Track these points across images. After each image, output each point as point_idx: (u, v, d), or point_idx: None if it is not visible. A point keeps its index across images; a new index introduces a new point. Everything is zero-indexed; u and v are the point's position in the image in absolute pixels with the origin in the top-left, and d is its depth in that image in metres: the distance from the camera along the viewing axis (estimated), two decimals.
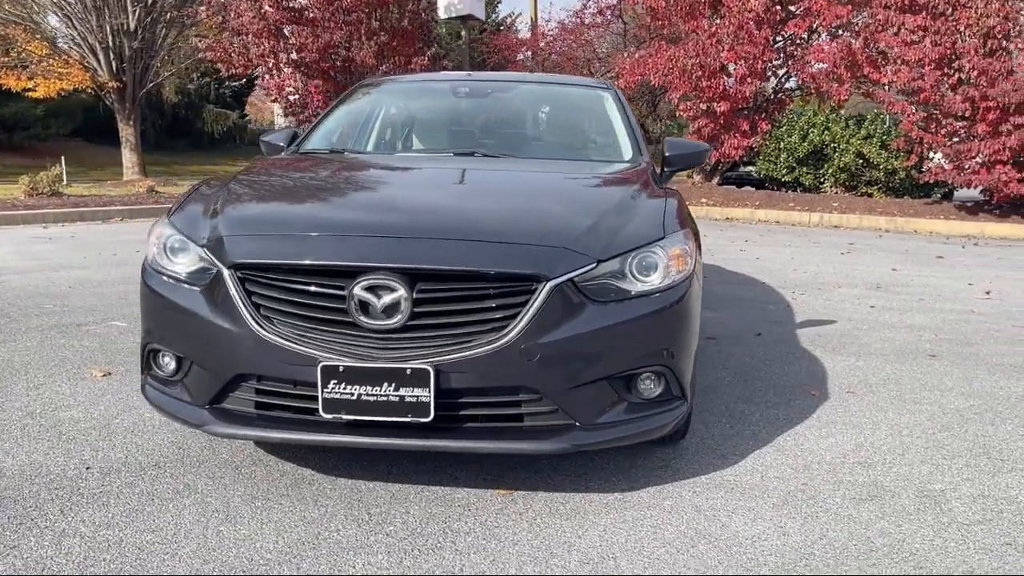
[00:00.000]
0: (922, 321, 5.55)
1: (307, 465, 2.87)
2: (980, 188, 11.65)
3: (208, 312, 2.50)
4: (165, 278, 2.68)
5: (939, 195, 12.76)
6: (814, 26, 12.53)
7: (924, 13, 10.65)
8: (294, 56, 15.40)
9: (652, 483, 2.78)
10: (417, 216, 2.67)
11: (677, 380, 2.62)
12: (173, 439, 3.10)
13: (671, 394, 2.62)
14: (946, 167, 10.94)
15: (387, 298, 2.34)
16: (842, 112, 13.85)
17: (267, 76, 16.21)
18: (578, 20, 16.23)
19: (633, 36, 17.32)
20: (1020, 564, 2.28)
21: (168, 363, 2.72)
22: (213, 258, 2.53)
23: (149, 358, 2.76)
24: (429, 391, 2.33)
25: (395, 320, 2.34)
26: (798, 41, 13.29)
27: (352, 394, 2.36)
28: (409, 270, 2.36)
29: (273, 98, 17.52)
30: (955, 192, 13.18)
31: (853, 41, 11.90)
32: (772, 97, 13.89)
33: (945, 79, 10.59)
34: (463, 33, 19.19)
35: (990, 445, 3.19)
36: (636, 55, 14.15)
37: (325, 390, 2.37)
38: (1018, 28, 9.89)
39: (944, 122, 10.95)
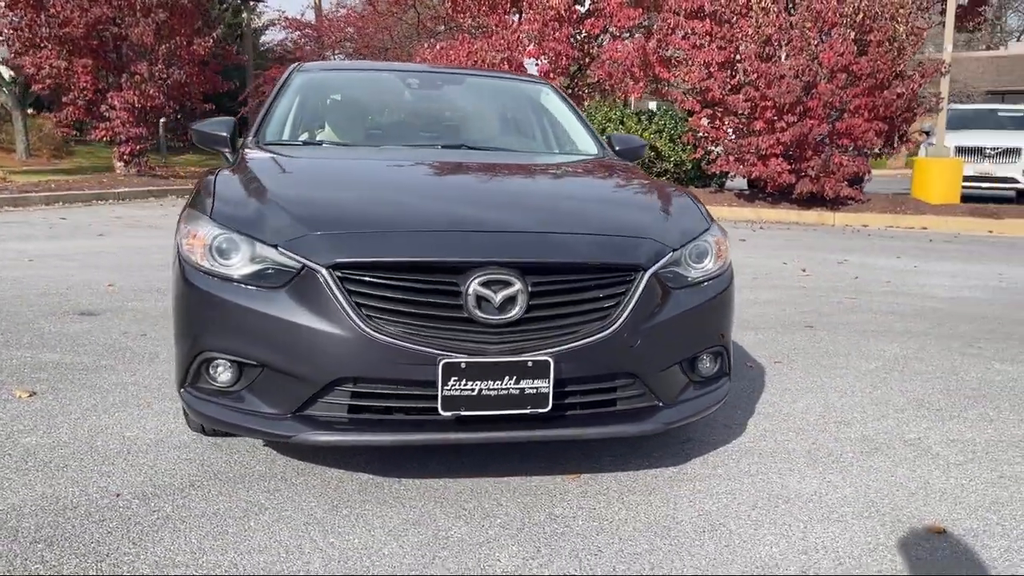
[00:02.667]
0: (772, 297, 6.26)
1: (356, 469, 2.78)
2: (746, 178, 13.15)
3: (296, 315, 2.37)
4: (222, 280, 2.48)
5: (715, 185, 14.21)
6: (608, 27, 13.40)
7: (709, 20, 11.82)
8: (56, 31, 13.79)
9: (690, 456, 3.01)
10: (509, 211, 2.68)
11: (727, 358, 2.86)
12: (185, 456, 2.87)
13: (723, 371, 2.86)
14: (730, 159, 12.21)
15: (504, 292, 2.36)
16: (633, 107, 14.94)
17: (16, 55, 14.36)
18: (371, 7, 16.04)
19: (425, 27, 17.41)
20: (1019, 490, 2.77)
21: (222, 373, 2.53)
22: (300, 258, 2.39)
23: (200, 369, 2.54)
24: (548, 382, 2.39)
25: (512, 314, 2.37)
26: (594, 40, 14.13)
27: (473, 390, 2.35)
28: (523, 264, 2.39)
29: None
30: (727, 182, 14.72)
31: (647, 43, 12.90)
32: (572, 93, 14.68)
33: (729, 80, 11.82)
34: (244, 15, 18.24)
35: (916, 398, 3.77)
36: (437, 46, 14.30)
37: (445, 387, 2.34)
38: (788, 37, 11.27)
39: (727, 119, 12.22)
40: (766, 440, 3.18)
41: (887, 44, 11.16)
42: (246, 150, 3.40)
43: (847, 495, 2.69)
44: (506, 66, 13.03)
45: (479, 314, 2.35)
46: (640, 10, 13.31)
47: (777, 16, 11.22)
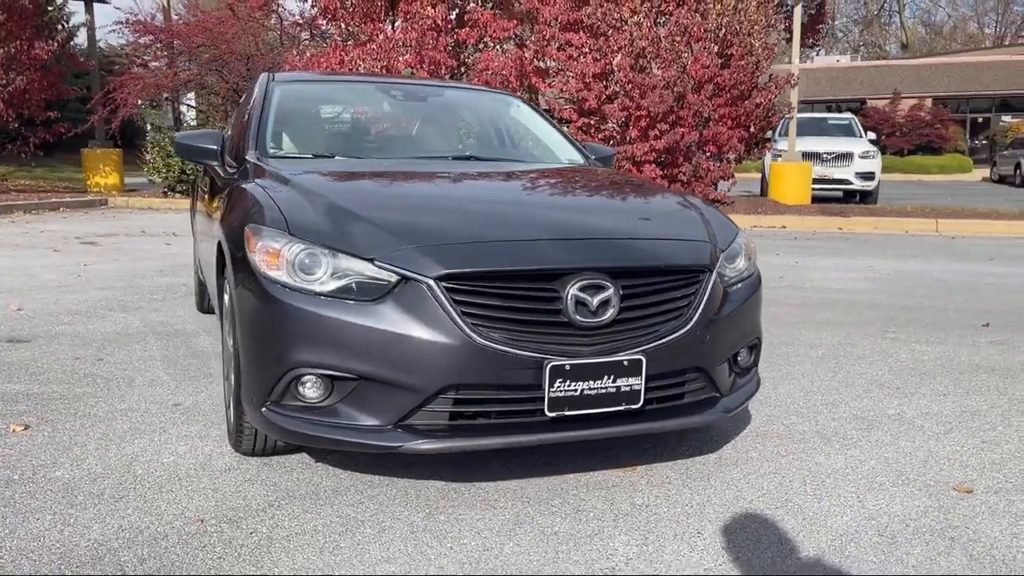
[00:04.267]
0: None
1: (423, 477, 2.83)
2: None
3: (403, 326, 2.40)
4: (310, 295, 2.48)
5: None
6: (483, 37, 13.62)
7: (585, 33, 12.30)
8: None
9: (719, 444, 3.24)
10: (583, 219, 2.81)
11: (759, 351, 3.13)
12: (243, 478, 2.82)
13: (755, 363, 3.12)
14: None
15: (600, 296, 2.49)
16: None
17: None
18: (230, 11, 15.42)
19: (287, 33, 16.96)
20: (1004, 449, 3.19)
21: (311, 389, 2.52)
22: (403, 270, 2.42)
23: (289, 386, 2.51)
24: (641, 379, 2.55)
25: (606, 316, 2.51)
26: (470, 49, 14.31)
27: (576, 390, 2.47)
28: (614, 268, 2.54)
29: None
30: None
31: (524, 53, 13.23)
32: None
33: (604, 91, 12.35)
34: (86, 16, 17.05)
35: (874, 379, 4.20)
36: (308, 54, 14.00)
37: (551, 389, 2.45)
38: (659, 50, 11.93)
39: (603, 127, 12.75)
40: (775, 424, 3.47)
41: (747, 58, 12.05)
42: (261, 162, 3.33)
43: (874, 467, 3.01)
44: (385, 74, 12.98)
45: (577, 318, 2.48)
46: (514, 22, 13.63)
47: (649, 29, 11.85)
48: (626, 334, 2.56)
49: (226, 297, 3.10)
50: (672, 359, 2.64)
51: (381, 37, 13.30)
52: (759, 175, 18.30)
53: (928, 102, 38.05)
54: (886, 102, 37.90)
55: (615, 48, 11.97)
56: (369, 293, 2.46)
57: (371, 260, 2.47)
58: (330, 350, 2.46)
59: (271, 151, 3.55)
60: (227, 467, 2.91)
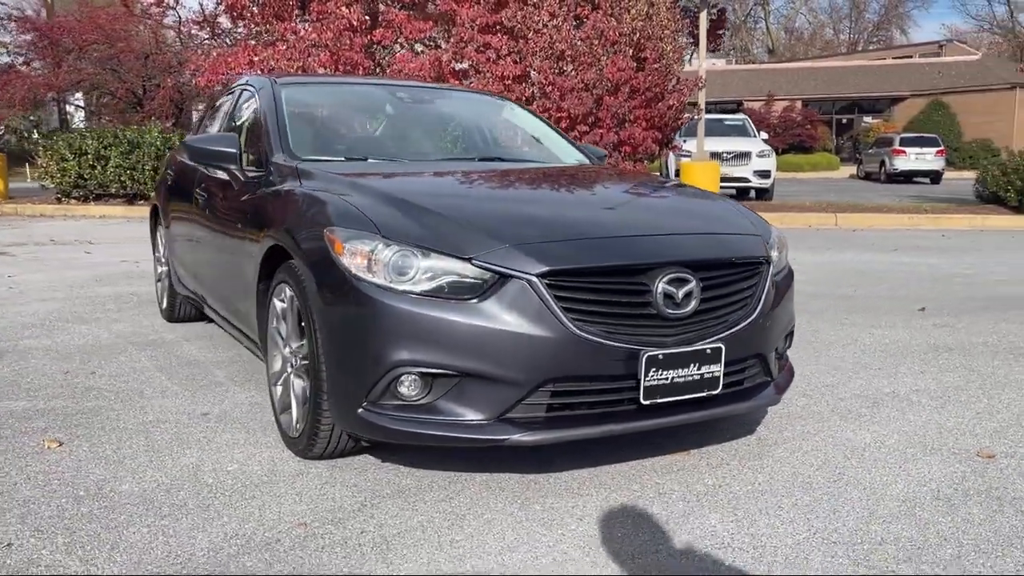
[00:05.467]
0: None
1: (494, 471, 2.90)
2: None
3: (506, 322, 2.48)
4: (408, 295, 2.52)
5: None
6: (398, 38, 13.55)
7: (505, 35, 12.45)
8: None
9: (752, 427, 3.44)
10: (656, 217, 2.95)
11: (793, 338, 3.35)
12: (322, 481, 2.85)
13: (788, 347, 3.34)
14: None
15: (684, 288, 2.64)
16: None
17: None
18: (124, 7, 14.69)
19: (186, 32, 16.33)
20: (1000, 419, 3.53)
21: (410, 388, 2.56)
22: (504, 268, 2.50)
23: (390, 386, 2.54)
24: (720, 366, 2.71)
25: (690, 307, 2.66)
26: (385, 51, 14.19)
27: (667, 378, 2.61)
28: (696, 262, 2.69)
29: None
30: None
31: (442, 56, 13.23)
32: None
33: (524, 93, 12.54)
34: None
35: (856, 362, 4.52)
36: (214, 54, 13.55)
37: (646, 379, 2.57)
38: (577, 53, 12.22)
39: None
40: (791, 406, 3.71)
41: (660, 61, 12.52)
42: (300, 165, 3.30)
43: (898, 440, 3.28)
44: (301, 74, 12.73)
45: (666, 310, 2.62)
46: (430, 23, 13.63)
47: (568, 33, 12.13)
48: (705, 324, 2.72)
49: (277, 303, 3.07)
50: (742, 346, 2.81)
51: (293, 37, 13.03)
52: (657, 175, 18.99)
53: (799, 104, 40.29)
54: (761, 104, 39.89)
55: (535, 50, 12.19)
56: (465, 291, 2.52)
57: (469, 259, 2.53)
58: (432, 348, 2.50)
59: (306, 154, 3.50)
60: (296, 472, 2.90)
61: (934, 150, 28.38)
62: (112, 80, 15.07)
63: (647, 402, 2.61)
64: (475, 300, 2.50)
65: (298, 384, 2.97)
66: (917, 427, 3.43)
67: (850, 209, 13.87)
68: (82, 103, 17.13)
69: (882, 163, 29.35)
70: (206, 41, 16.13)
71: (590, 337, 2.52)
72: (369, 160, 3.62)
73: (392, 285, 2.53)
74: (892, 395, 3.89)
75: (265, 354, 3.28)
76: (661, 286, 2.61)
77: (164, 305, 5.41)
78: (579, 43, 12.20)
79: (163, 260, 5.39)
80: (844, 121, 43.48)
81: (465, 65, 13.14)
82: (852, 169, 34.47)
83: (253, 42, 13.75)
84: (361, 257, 2.58)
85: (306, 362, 2.90)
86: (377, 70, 13.74)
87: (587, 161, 4.22)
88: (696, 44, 14.10)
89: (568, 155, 4.25)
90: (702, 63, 14.29)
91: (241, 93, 4.39)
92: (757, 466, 3.00)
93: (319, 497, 2.69)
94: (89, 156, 14.15)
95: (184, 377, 4.10)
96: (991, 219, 12.74)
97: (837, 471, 2.95)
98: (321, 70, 12.80)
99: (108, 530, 2.44)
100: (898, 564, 2.29)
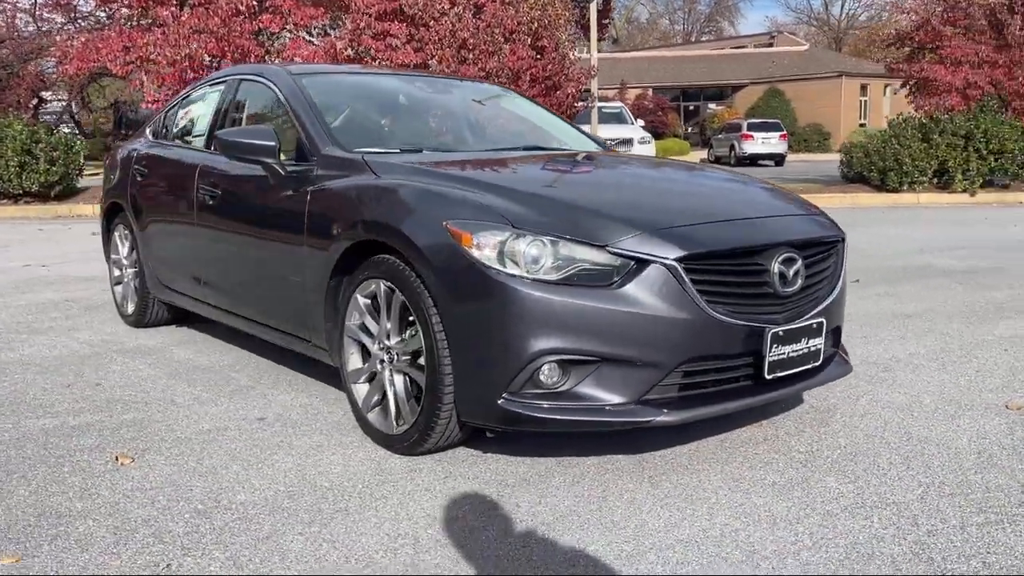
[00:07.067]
0: None
1: (592, 454, 2.97)
2: None
3: (646, 307, 2.55)
4: (544, 284, 2.55)
5: None
6: (287, 25, 13.05)
7: (405, 23, 12.28)
8: None
9: (796, 410, 3.65)
10: (753, 199, 3.10)
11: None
12: (439, 476, 2.81)
13: None
14: None
15: (794, 267, 2.80)
16: None
17: None
18: None
19: (40, 17, 15.02)
20: (999, 376, 3.93)
21: (548, 376, 2.58)
22: (641, 254, 2.56)
23: (533, 374, 2.55)
24: (822, 339, 2.89)
25: (797, 285, 2.82)
26: (273, 38, 13.62)
27: (784, 353, 2.76)
28: (798, 241, 2.86)
29: None
30: None
31: (336, 43, 12.86)
32: None
33: None
34: None
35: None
36: (83, 39, 12.56)
37: (770, 354, 2.71)
38: (478, 41, 12.24)
39: None
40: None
41: (557, 50, 12.76)
42: (364, 158, 3.20)
43: (930, 400, 3.59)
44: (188, 63, 12.06)
45: (780, 288, 2.76)
46: (321, 9, 13.21)
47: (469, 21, 12.14)
48: (807, 300, 2.89)
49: (361, 299, 2.99)
50: (831, 319, 3.01)
51: (174, 23, 12.31)
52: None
53: (650, 92, 41.96)
54: (614, 92, 41.25)
55: (436, 38, 12.12)
56: (598, 278, 2.56)
57: (603, 247, 2.57)
58: (574, 335, 2.53)
59: (352, 146, 3.38)
60: (407, 468, 2.85)
61: (778, 134, 30.36)
62: None
63: (771, 376, 2.74)
64: (612, 286, 2.55)
65: (399, 380, 2.91)
66: (938, 386, 3.76)
67: None
68: None
69: (732, 147, 31.09)
70: (67, 26, 14.94)
71: (722, 317, 2.63)
72: (424, 152, 3.56)
73: (528, 275, 2.54)
74: (895, 360, 4.23)
75: (338, 353, 3.18)
76: (776, 266, 2.75)
77: (130, 310, 5.05)
78: (480, 32, 12.23)
79: (127, 263, 5.03)
80: (691, 108, 45.63)
81: (361, 53, 12.86)
82: (702, 154, 36.25)
83: (128, 27, 12.86)
84: (492, 248, 2.56)
85: (409, 357, 2.85)
86: (267, 57, 13.21)
87: (599, 148, 4.31)
88: (585, 34, 14.46)
89: (586, 142, 4.33)
90: (594, 51, 14.68)
91: (240, 84, 4.18)
92: (829, 431, 3.21)
93: (449, 491, 2.67)
94: None
95: (204, 384, 3.88)
96: (860, 197, 13.86)
97: (903, 430, 3.21)
98: (208, 57, 12.19)
99: (260, 540, 2.33)
100: (1019, 507, 2.54)
